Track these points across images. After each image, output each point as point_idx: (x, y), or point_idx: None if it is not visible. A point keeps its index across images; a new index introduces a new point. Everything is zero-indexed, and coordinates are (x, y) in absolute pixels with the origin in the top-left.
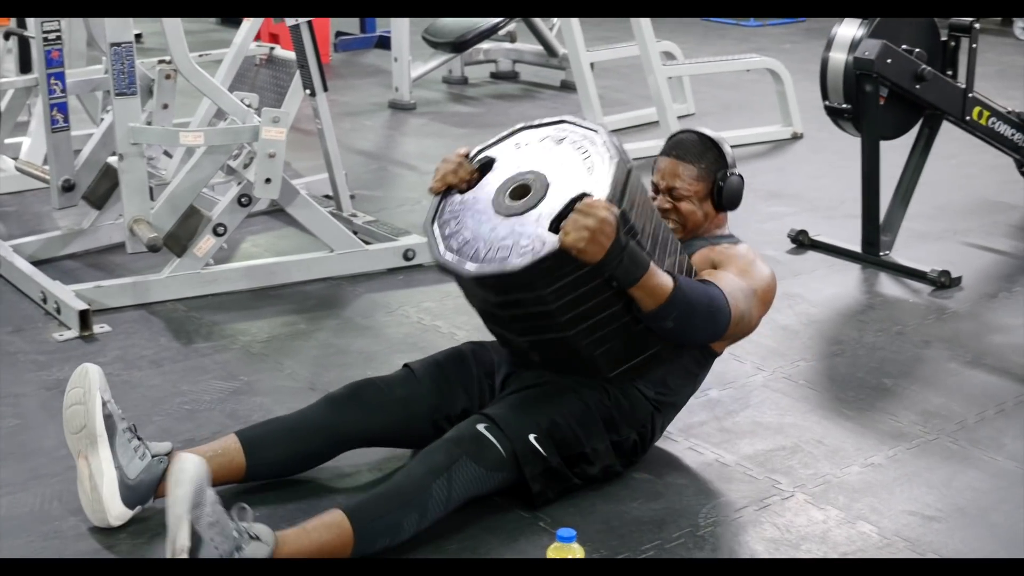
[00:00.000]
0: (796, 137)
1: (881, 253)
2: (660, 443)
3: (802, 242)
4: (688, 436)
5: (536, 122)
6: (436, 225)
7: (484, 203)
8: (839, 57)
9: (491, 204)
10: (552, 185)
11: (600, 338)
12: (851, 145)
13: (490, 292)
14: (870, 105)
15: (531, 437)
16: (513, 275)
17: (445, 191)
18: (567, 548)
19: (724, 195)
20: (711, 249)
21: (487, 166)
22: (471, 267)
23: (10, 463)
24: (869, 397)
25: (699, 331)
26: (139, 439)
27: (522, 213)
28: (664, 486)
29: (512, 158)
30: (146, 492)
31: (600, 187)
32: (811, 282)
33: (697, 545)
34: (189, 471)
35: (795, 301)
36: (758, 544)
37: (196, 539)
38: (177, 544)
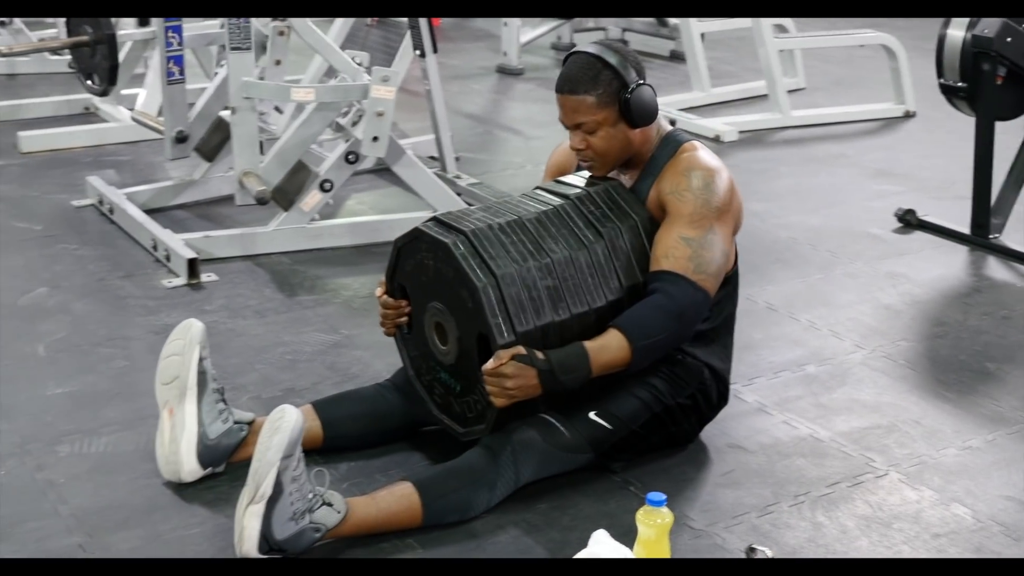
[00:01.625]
0: (908, 115)
1: (991, 236)
2: (755, 416)
3: (909, 222)
4: (783, 410)
5: (402, 240)
6: (418, 382)
7: (428, 348)
8: (957, 34)
9: (432, 351)
10: (457, 324)
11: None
12: (964, 125)
13: None
14: (987, 84)
15: (592, 414)
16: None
17: (397, 331)
18: (657, 512)
19: (634, 113)
20: (658, 188)
21: (405, 292)
22: (459, 432)
23: (117, 403)
24: (970, 380)
25: (682, 339)
26: (225, 403)
27: (456, 363)
28: (757, 459)
29: (415, 287)
30: (221, 455)
31: (488, 324)
32: (916, 262)
33: (787, 519)
34: (290, 420)
35: (899, 281)
36: (849, 520)
37: (278, 488)
38: (260, 490)
